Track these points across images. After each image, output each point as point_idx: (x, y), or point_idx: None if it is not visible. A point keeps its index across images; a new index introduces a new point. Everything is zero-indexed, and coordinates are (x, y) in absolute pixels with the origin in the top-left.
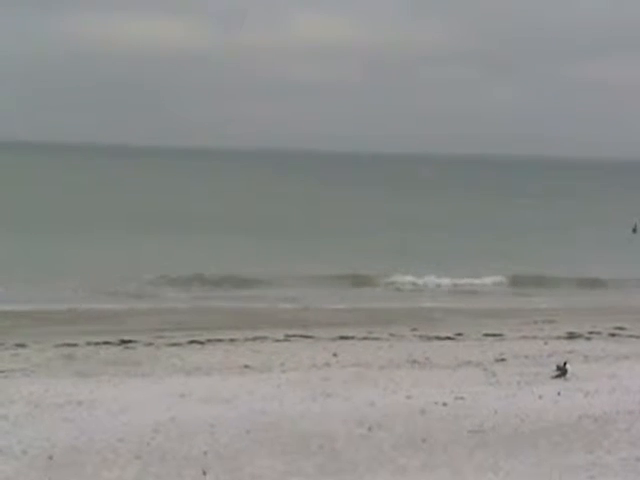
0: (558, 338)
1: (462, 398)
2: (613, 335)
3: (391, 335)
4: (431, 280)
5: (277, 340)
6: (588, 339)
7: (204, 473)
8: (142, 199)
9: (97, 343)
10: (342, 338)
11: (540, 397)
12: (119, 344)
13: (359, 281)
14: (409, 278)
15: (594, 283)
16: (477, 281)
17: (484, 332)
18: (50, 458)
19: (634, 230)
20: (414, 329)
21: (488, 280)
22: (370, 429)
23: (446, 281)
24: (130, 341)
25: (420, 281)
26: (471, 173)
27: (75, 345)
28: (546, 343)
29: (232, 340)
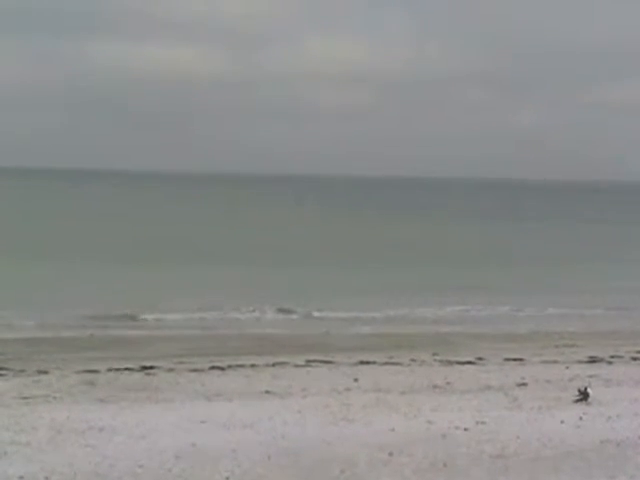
0: (579, 362)
1: (483, 423)
2: (635, 359)
3: (412, 360)
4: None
5: (297, 365)
6: (610, 363)
7: None
8: (153, 227)
9: (118, 369)
10: (363, 363)
11: (562, 422)
12: (140, 370)
13: None
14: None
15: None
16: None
17: (505, 356)
18: None
19: None
20: (435, 354)
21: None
22: (391, 454)
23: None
24: (151, 367)
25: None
26: (491, 198)
27: (96, 371)
28: (567, 367)
29: (253, 366)
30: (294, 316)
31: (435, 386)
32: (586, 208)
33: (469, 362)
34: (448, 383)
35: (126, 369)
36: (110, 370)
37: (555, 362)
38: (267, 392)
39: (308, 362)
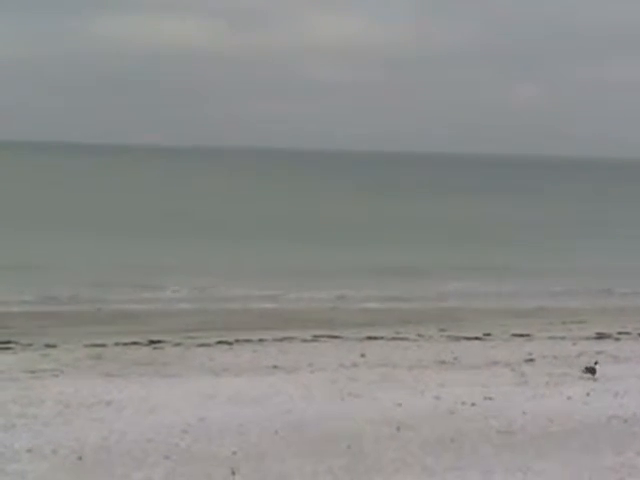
0: (587, 338)
1: (491, 398)
2: None
3: (419, 335)
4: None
5: (305, 340)
6: (617, 339)
7: (233, 473)
8: (159, 200)
9: (125, 343)
10: (370, 338)
11: (569, 398)
12: (147, 344)
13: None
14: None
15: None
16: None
17: (512, 332)
18: (80, 458)
19: None
20: (442, 329)
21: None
22: (398, 429)
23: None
24: (159, 341)
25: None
26: (491, 174)
27: (104, 345)
28: (575, 343)
29: (260, 340)
30: (300, 292)
31: (442, 361)
32: (583, 185)
33: (476, 338)
34: (455, 358)
35: (133, 343)
36: (117, 344)
37: (562, 338)
38: (274, 367)
39: (315, 337)
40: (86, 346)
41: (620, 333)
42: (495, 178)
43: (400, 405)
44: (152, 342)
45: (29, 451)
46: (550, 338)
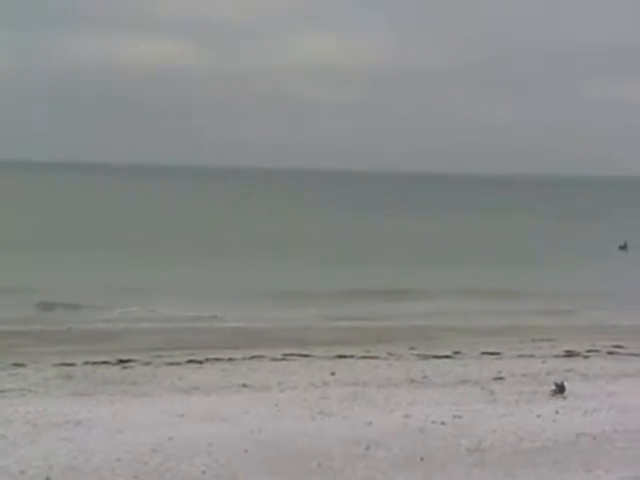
0: (556, 356)
1: (460, 417)
2: (611, 353)
3: (389, 354)
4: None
5: (275, 359)
6: (586, 357)
7: None
8: (137, 219)
9: (95, 362)
10: (340, 357)
11: (538, 416)
12: (117, 363)
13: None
14: None
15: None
16: None
17: (482, 350)
18: (48, 478)
19: (621, 247)
20: (412, 348)
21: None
22: (368, 448)
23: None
24: (128, 360)
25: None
26: (468, 192)
27: (73, 364)
28: (544, 361)
29: (230, 359)
30: (270, 310)
31: (412, 380)
32: (561, 203)
33: (446, 356)
34: (425, 377)
35: (103, 362)
36: (87, 363)
37: (532, 356)
38: (244, 385)
39: (285, 356)
40: (55, 365)
41: (589, 351)
42: (471, 197)
43: (370, 424)
44: (122, 361)
45: None
46: (520, 356)
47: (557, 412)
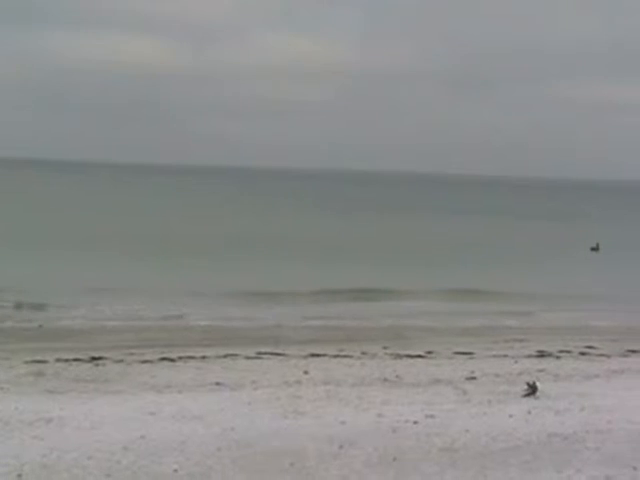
0: (528, 357)
1: (433, 416)
2: (583, 354)
3: (363, 353)
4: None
5: (249, 357)
6: (558, 358)
7: None
8: (106, 217)
9: (67, 360)
10: (313, 356)
11: (510, 416)
12: (89, 361)
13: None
14: None
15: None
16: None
17: (455, 350)
18: (19, 476)
19: (593, 249)
20: (385, 347)
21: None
22: (341, 447)
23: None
24: (100, 358)
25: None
26: (442, 193)
27: (45, 362)
28: (516, 362)
29: (203, 357)
30: (244, 309)
31: (385, 379)
32: (534, 204)
33: (419, 356)
34: (398, 376)
35: (75, 360)
36: (59, 361)
37: (504, 356)
38: (217, 384)
39: (259, 354)
40: (27, 362)
41: (561, 351)
42: (445, 198)
43: (343, 423)
44: (94, 359)
45: None
46: (492, 356)
47: (529, 412)
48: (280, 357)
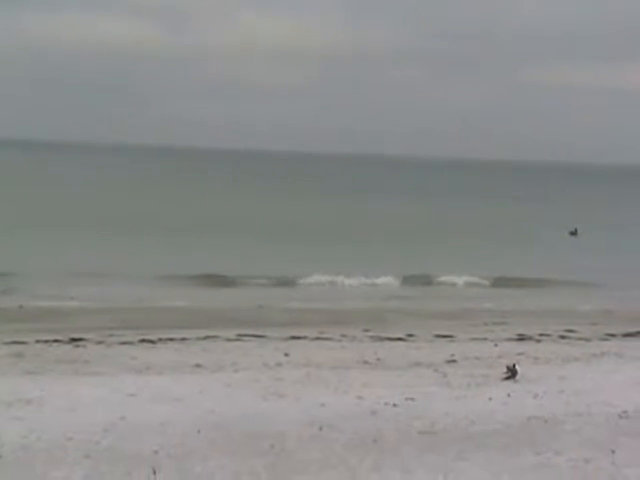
0: (508, 340)
1: (413, 399)
2: (563, 337)
3: (343, 336)
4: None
5: (229, 339)
6: (538, 341)
7: (154, 472)
8: (87, 196)
9: (47, 341)
10: (294, 338)
11: (490, 399)
12: (69, 342)
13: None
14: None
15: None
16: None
17: (435, 333)
18: None
19: (572, 233)
20: (366, 330)
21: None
22: (321, 429)
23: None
24: (80, 339)
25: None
26: (423, 176)
27: (25, 343)
28: (496, 345)
29: (184, 339)
30: (222, 290)
31: (366, 362)
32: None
33: (399, 338)
34: (378, 359)
35: (55, 341)
36: (39, 342)
37: (484, 339)
38: (198, 366)
39: (239, 336)
40: (6, 344)
41: (541, 335)
42: (428, 180)
43: (323, 405)
44: (74, 340)
45: None
46: (472, 339)
47: (509, 395)
48: (261, 339)
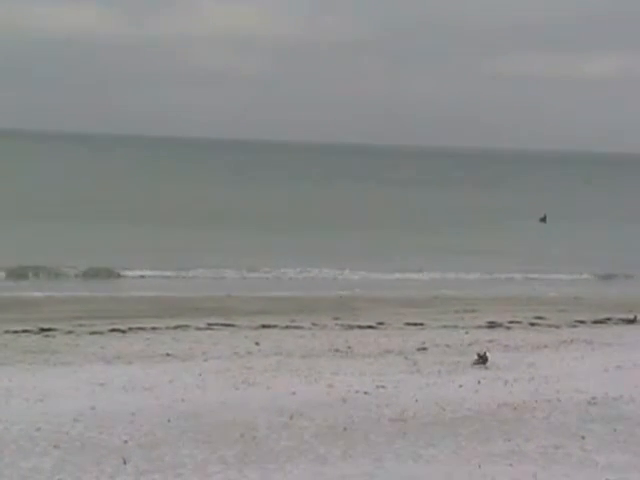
0: (479, 327)
1: (383, 387)
2: (533, 325)
3: (313, 324)
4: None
5: (199, 328)
6: (508, 328)
7: (124, 462)
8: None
9: (15, 331)
10: (264, 327)
11: (460, 386)
12: (38, 332)
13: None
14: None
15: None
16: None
17: (405, 321)
18: None
19: (542, 219)
20: (336, 318)
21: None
22: (291, 418)
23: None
24: (49, 329)
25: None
26: (378, 164)
27: None
28: (467, 332)
29: (154, 328)
30: (196, 277)
31: (336, 350)
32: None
33: (370, 327)
34: (349, 347)
35: (24, 331)
36: (7, 332)
37: (455, 327)
38: (168, 355)
39: (209, 325)
40: None
41: (511, 322)
42: (384, 168)
43: (294, 394)
44: (43, 330)
45: None
46: (443, 327)
47: (479, 382)
48: (231, 328)
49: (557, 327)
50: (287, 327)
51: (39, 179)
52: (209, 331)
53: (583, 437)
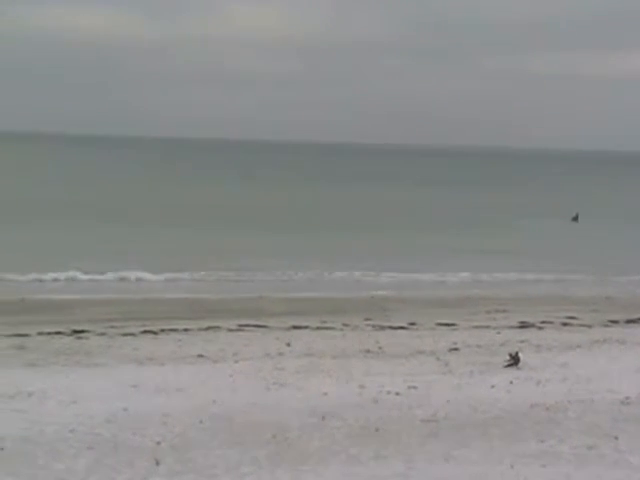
0: (510, 327)
1: (415, 387)
2: (565, 325)
3: (345, 325)
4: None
5: (230, 330)
6: (540, 328)
7: (157, 463)
8: (80, 188)
9: (49, 333)
10: (295, 328)
11: (492, 386)
12: (71, 334)
13: None
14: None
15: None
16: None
17: (437, 321)
18: (1, 449)
19: (574, 219)
20: (367, 318)
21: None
22: (323, 419)
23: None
24: (82, 331)
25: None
26: (407, 164)
27: (27, 335)
28: (498, 332)
29: (186, 330)
30: (227, 279)
31: (367, 351)
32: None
33: (401, 327)
34: (380, 348)
35: (57, 333)
36: (41, 334)
37: (486, 327)
38: (199, 356)
39: (241, 326)
40: (8, 336)
41: (543, 322)
42: (410, 168)
43: (325, 394)
44: (76, 332)
45: None
46: (474, 327)
47: (511, 383)
48: (262, 329)
49: (589, 327)
50: (318, 328)
51: (66, 179)
52: (240, 332)
53: (616, 437)
